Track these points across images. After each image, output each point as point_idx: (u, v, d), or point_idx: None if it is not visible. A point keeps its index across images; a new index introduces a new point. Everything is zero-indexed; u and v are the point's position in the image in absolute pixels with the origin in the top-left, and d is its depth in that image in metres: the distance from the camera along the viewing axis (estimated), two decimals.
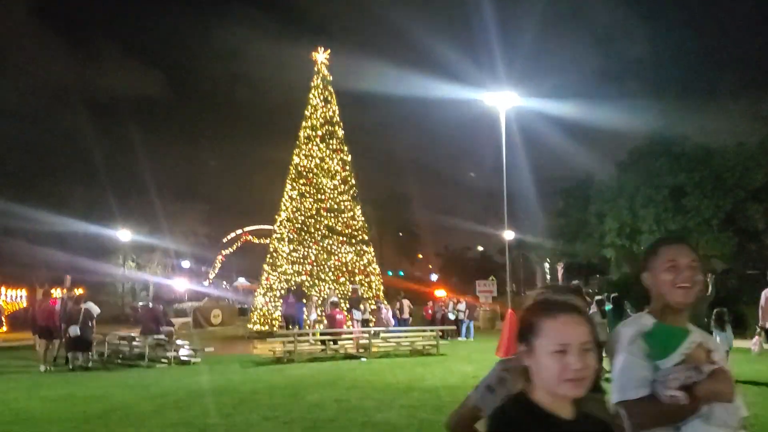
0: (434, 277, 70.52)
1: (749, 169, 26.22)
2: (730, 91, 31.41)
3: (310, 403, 9.70)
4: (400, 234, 67.43)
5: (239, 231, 62.09)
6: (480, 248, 74.15)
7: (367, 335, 17.36)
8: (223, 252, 61.86)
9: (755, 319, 12.90)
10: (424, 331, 18.32)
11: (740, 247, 27.09)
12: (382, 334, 18.18)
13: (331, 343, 17.14)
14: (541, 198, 39.41)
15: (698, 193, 26.19)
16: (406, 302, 24.99)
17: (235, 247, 61.58)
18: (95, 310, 15.69)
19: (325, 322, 20.18)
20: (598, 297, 13.97)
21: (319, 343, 17.49)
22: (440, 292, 42.65)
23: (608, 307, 14.49)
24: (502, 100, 18.95)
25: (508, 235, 42.40)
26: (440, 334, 18.43)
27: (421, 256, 76.06)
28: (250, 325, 25.57)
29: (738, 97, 30.50)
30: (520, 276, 56.32)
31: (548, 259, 50.83)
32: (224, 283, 65.87)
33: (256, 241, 57.21)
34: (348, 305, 20.93)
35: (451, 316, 24.87)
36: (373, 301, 24.33)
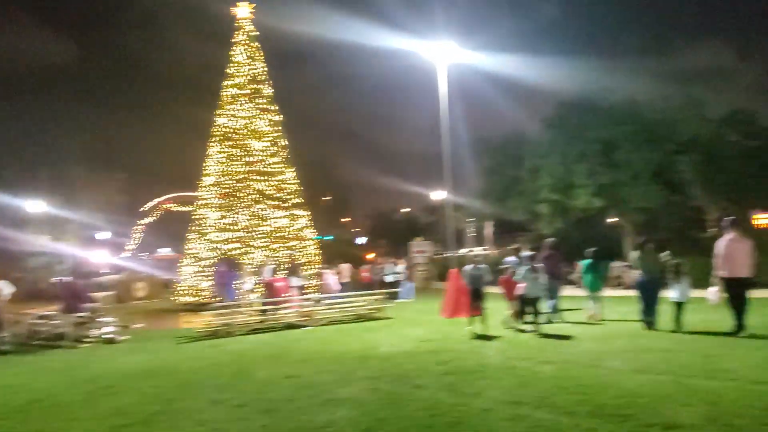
0: (362, 239, 70.42)
1: (677, 122, 26.62)
2: (636, 49, 32.20)
3: (261, 381, 8.88)
4: (328, 197, 66.39)
5: (158, 199, 59.57)
6: (405, 209, 74.33)
7: (310, 302, 16.57)
8: (142, 222, 59.30)
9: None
10: (370, 295, 17.63)
11: (667, 199, 27.63)
12: (325, 301, 17.44)
13: (272, 313, 16.25)
14: (470, 157, 39.27)
15: (629, 147, 26.40)
16: (346, 266, 24.28)
17: (155, 216, 59.10)
18: (7, 289, 14.26)
19: (262, 290, 19.28)
20: (528, 253, 13.87)
21: (257, 313, 16.57)
22: (370, 255, 42.42)
23: (585, 261, 14.51)
24: (441, 52, 18.09)
25: (442, 195, 42.26)
26: (387, 297, 17.87)
27: (349, 219, 75.44)
28: (177, 298, 24.29)
29: (645, 54, 31.29)
30: (445, 235, 56.48)
31: (474, 219, 51.07)
32: (145, 254, 63.41)
33: (179, 208, 55.07)
34: (286, 272, 20.04)
35: (390, 279, 24.35)
36: (313, 267, 23.57)
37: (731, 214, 13.33)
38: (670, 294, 12.11)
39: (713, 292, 11.25)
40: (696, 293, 12.21)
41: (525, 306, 13.12)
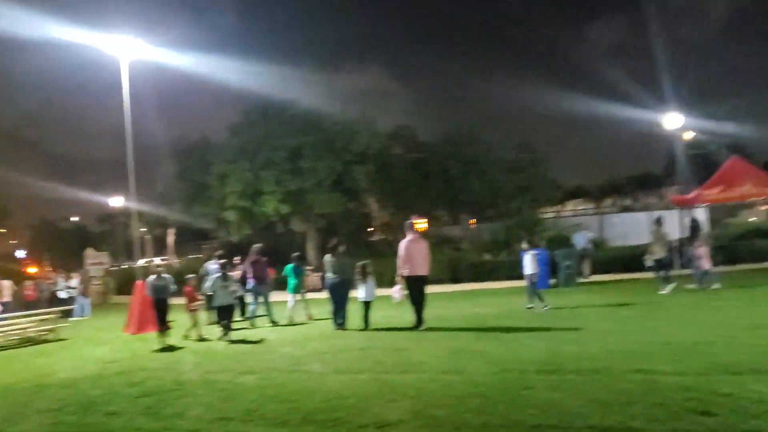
0: (22, 252, 63.30)
1: (355, 134, 28.66)
2: (314, 64, 34.50)
3: None
4: None
5: None
6: (74, 218, 68.94)
7: None
8: None
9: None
10: (39, 314, 15.45)
11: (345, 206, 29.63)
12: None
13: None
14: (156, 162, 37.55)
15: (313, 156, 27.60)
16: (6, 283, 21.03)
17: None
18: None
19: None
20: (221, 261, 13.85)
21: None
22: (33, 270, 38.45)
23: (289, 265, 14.93)
24: (123, 47, 16.67)
25: (120, 202, 39.44)
26: (60, 315, 15.86)
27: (5, 230, 66.64)
28: None
29: (321, 70, 33.65)
30: (121, 245, 53.30)
31: (153, 227, 48.99)
32: None
33: None
34: None
35: (63, 295, 21.82)
36: None
37: (399, 220, 14.69)
38: (358, 294, 12.82)
39: (397, 290, 12.20)
40: (379, 292, 13.14)
41: (218, 315, 12.89)
